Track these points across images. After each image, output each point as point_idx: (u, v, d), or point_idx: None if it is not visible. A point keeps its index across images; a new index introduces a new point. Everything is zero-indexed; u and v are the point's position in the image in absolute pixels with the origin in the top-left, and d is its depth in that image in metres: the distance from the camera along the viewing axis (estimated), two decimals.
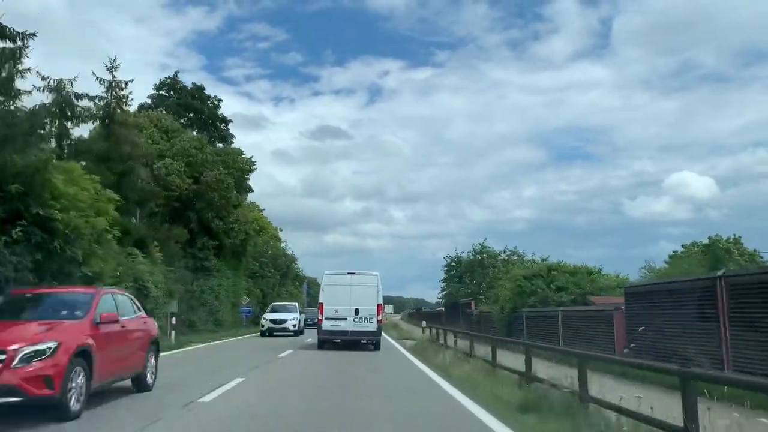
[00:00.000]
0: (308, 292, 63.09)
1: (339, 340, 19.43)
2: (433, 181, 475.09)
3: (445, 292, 53.71)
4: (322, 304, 19.46)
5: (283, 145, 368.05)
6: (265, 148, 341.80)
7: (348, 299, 18.98)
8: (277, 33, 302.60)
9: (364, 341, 19.39)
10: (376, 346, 19.65)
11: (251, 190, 40.53)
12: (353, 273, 19.67)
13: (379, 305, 19.42)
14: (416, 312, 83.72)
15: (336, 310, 19.07)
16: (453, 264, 52.62)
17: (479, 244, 51.34)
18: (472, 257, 50.75)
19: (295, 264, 61.50)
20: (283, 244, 58.60)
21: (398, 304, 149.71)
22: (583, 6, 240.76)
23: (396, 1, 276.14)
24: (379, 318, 19.50)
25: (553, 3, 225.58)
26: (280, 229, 58.48)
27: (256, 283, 43.97)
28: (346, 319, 19.08)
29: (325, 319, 19.21)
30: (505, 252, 49.22)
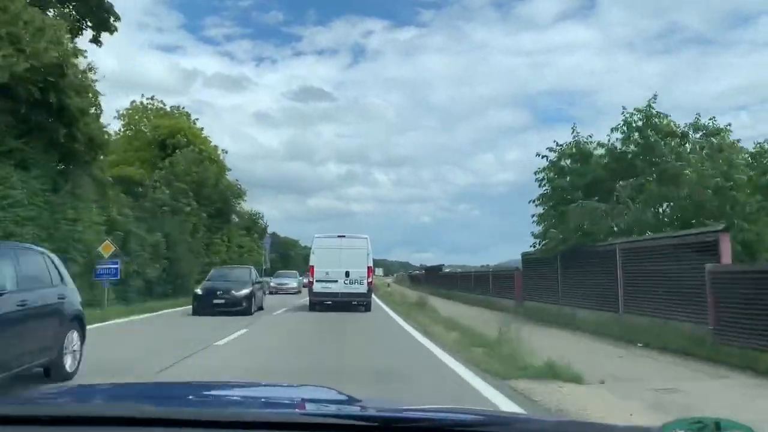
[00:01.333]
0: (270, 249, 49.79)
1: (330, 302, 19.66)
2: (417, 145, 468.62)
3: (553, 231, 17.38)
4: (312, 266, 19.90)
5: (265, 107, 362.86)
6: (246, 109, 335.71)
7: (338, 262, 19.39)
8: None
9: (355, 302, 19.66)
10: (367, 307, 19.96)
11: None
12: (343, 236, 20.13)
13: (369, 267, 19.96)
14: (425, 273, 56.13)
15: (327, 273, 19.49)
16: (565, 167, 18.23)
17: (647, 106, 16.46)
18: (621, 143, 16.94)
19: (244, 201, 41.20)
20: (235, 182, 39.24)
21: (384, 267, 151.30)
22: None
23: None
24: (370, 280, 20.00)
25: None
26: (224, 152, 38.78)
27: (156, 222, 25.30)
28: (336, 281, 19.56)
29: (316, 281, 19.74)
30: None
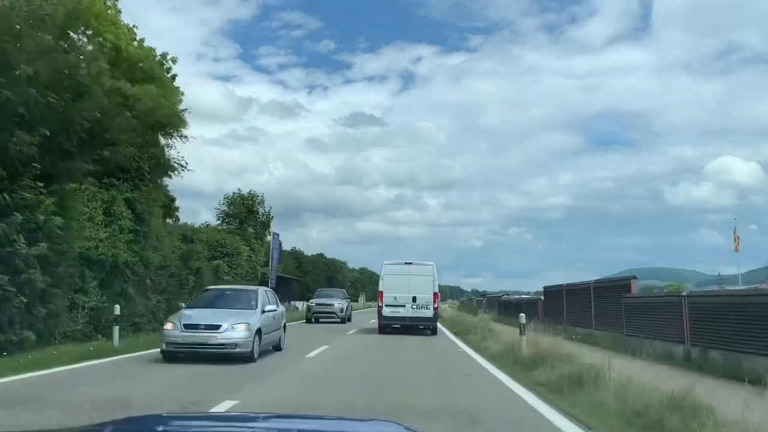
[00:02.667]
0: (278, 257, 33.92)
1: (398, 325, 21.03)
2: (467, 168, 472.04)
3: None
4: (381, 292, 21.04)
5: (317, 133, 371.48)
6: (299, 136, 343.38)
7: (406, 287, 20.58)
8: (310, 21, 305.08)
9: (422, 326, 20.85)
10: (433, 331, 21.14)
11: None
12: (411, 263, 21.32)
13: (435, 294, 20.89)
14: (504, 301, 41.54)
15: (395, 298, 20.66)
16: None
17: None
18: None
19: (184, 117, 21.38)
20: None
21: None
22: None
23: None
24: (436, 305, 20.90)
25: None
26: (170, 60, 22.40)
27: None
28: (404, 306, 20.66)
29: (385, 306, 20.87)
30: None
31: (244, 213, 33.48)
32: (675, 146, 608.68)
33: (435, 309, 20.88)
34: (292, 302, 47.37)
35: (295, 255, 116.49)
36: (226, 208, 33.68)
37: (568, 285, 25.12)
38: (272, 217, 35.10)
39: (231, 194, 34.29)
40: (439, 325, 22.90)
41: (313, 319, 28.29)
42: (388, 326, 21.14)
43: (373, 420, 2.56)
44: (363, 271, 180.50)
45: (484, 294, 70.45)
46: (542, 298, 30.15)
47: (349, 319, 28.88)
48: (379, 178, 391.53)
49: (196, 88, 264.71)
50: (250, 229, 32.66)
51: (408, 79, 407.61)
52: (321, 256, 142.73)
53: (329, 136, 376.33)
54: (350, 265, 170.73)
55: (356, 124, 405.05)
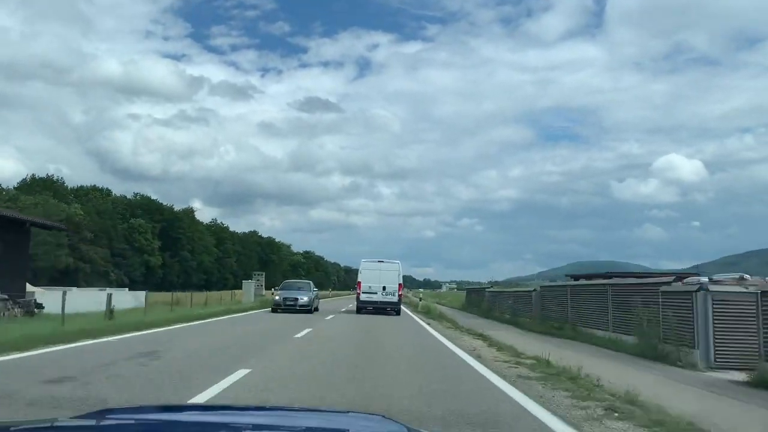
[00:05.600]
0: None
1: (371, 308, 26.97)
2: (421, 158, 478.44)
3: None
4: (360, 282, 27.37)
5: (270, 117, 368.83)
6: (251, 119, 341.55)
7: (378, 279, 26.65)
8: (264, 1, 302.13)
9: (389, 309, 26.86)
10: (397, 312, 27.23)
11: None
12: (382, 261, 27.70)
13: (399, 284, 27.34)
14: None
15: (370, 287, 26.68)
16: None
17: None
18: None
19: None
20: None
21: None
22: None
23: None
24: (400, 293, 27.64)
25: None
26: None
27: None
28: (376, 293, 26.73)
29: (363, 292, 27.06)
30: None
31: None
32: (623, 143, 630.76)
33: (399, 296, 27.57)
34: None
35: (216, 230, 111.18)
36: None
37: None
38: None
39: None
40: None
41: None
42: (364, 308, 27.15)
43: (350, 412, 2.82)
44: (308, 255, 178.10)
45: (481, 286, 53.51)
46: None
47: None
48: (333, 165, 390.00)
49: (144, 64, 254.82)
50: None
51: (364, 66, 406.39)
52: (254, 233, 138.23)
53: (282, 120, 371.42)
54: (294, 248, 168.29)
55: (311, 109, 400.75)
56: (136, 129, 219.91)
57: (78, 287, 48.65)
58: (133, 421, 2.20)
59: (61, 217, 62.03)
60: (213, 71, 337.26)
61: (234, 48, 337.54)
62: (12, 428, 1.94)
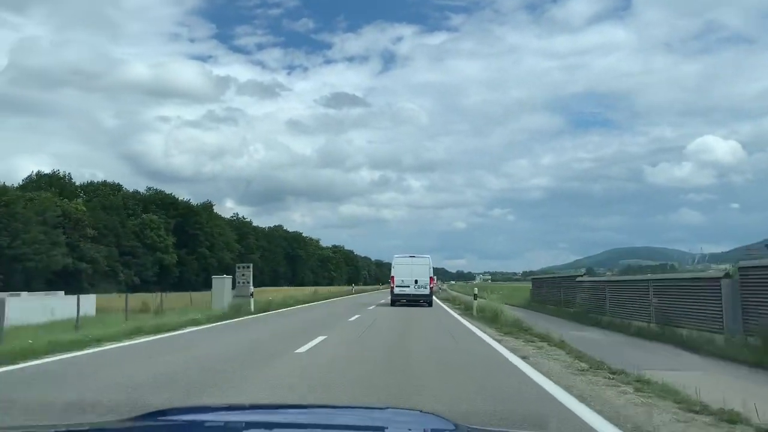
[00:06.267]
0: None
1: (404, 300, 27.78)
2: (450, 150, 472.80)
3: None
4: (393, 276, 28.35)
5: (297, 114, 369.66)
6: (279, 117, 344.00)
7: (410, 273, 27.68)
8: None
9: (421, 300, 27.73)
10: (429, 303, 28.04)
11: None
12: (413, 256, 28.75)
13: (431, 277, 28.69)
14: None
15: (402, 280, 27.76)
16: None
17: None
18: None
19: None
20: None
21: None
22: None
23: None
24: (431, 286, 28.83)
25: None
26: None
27: None
28: (409, 286, 27.78)
29: (396, 286, 27.98)
30: None
31: None
32: (655, 126, 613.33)
33: (431, 288, 28.63)
34: None
35: (238, 225, 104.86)
36: None
37: None
38: None
39: None
40: None
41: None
42: (398, 300, 27.83)
43: (388, 408, 3.23)
44: (337, 249, 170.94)
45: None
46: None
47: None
48: (362, 160, 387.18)
49: (172, 67, 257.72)
50: None
51: (389, 60, 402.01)
52: (279, 228, 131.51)
53: (310, 117, 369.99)
54: (323, 243, 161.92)
55: (338, 104, 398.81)
56: (167, 131, 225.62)
57: (82, 290, 43.90)
58: (185, 422, 2.22)
59: (57, 213, 56.06)
60: (239, 71, 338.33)
61: (259, 47, 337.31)
62: (71, 430, 2.45)
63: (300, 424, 2.21)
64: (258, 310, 21.19)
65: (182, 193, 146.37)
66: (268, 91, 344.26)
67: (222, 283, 21.97)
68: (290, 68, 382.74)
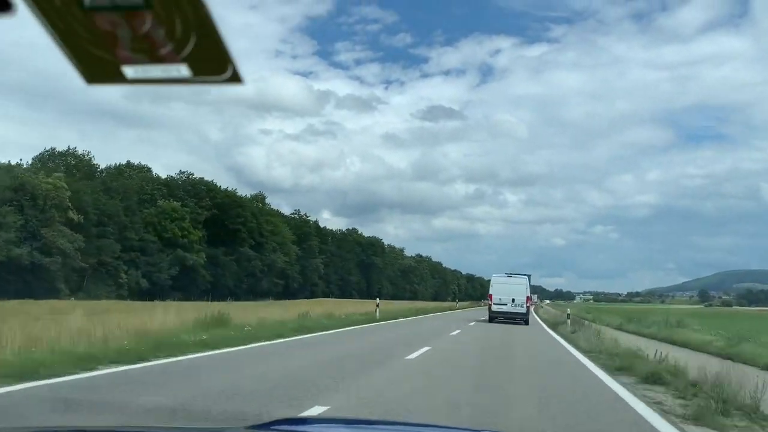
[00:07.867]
0: None
1: (502, 317, 29.81)
2: (549, 163, 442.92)
3: None
4: (491, 294, 30.48)
5: (393, 128, 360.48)
6: (375, 131, 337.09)
7: (507, 292, 29.83)
8: (386, 15, 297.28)
9: (518, 319, 29.56)
10: (526, 322, 29.72)
11: None
12: (510, 275, 31.71)
13: (527, 297, 30.64)
14: None
15: (500, 299, 29.93)
16: None
17: None
18: None
19: None
20: None
21: None
22: None
23: None
24: (528, 305, 31.07)
25: None
26: None
27: None
28: (506, 304, 29.89)
29: (494, 304, 30.21)
30: None
31: None
32: None
33: (527, 307, 30.68)
34: None
35: (298, 224, 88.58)
36: None
37: None
38: None
39: None
40: None
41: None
42: (496, 317, 29.89)
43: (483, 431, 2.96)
44: (421, 258, 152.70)
45: None
46: None
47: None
48: (457, 173, 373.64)
49: (274, 82, 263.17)
50: None
51: (486, 72, 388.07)
52: (353, 231, 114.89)
53: (405, 131, 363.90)
54: (407, 253, 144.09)
55: (434, 117, 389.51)
56: (268, 144, 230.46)
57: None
58: None
59: (10, 186, 41.48)
60: (339, 85, 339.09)
61: (358, 62, 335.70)
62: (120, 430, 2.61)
63: None
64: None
65: (281, 204, 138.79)
66: (366, 105, 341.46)
67: None
68: (387, 82, 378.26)
